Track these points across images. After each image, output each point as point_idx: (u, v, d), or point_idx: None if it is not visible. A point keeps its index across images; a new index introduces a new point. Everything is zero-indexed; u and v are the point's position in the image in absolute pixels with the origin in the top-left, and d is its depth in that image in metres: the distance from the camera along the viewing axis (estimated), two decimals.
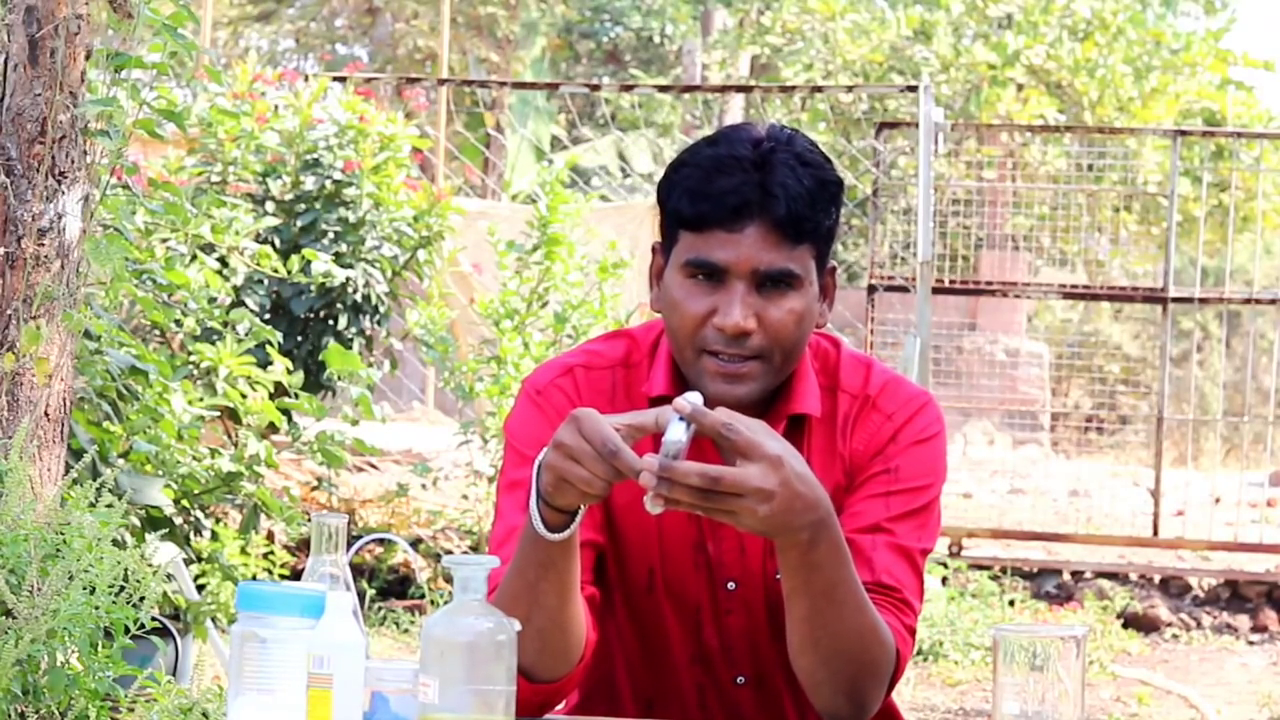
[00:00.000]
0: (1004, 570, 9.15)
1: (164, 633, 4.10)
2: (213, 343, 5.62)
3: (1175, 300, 9.94)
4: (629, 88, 11.64)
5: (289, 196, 7.49)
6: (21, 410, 3.51)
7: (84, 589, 2.70)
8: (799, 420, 2.24)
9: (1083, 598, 8.99)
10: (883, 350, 9.91)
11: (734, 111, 19.21)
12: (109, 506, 2.89)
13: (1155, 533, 9.80)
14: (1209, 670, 8.11)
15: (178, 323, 5.42)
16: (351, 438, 6.08)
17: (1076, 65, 16.70)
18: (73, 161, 3.58)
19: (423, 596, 7.65)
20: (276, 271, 6.12)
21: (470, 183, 11.08)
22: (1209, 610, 9.09)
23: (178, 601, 4.92)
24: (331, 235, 7.43)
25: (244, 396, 5.46)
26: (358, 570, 7.74)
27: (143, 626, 2.76)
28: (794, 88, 12.91)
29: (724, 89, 15.96)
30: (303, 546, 7.47)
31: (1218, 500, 10.66)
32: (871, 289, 9.98)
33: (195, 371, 5.50)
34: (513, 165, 17.93)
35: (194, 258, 5.59)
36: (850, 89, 15.01)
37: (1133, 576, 9.28)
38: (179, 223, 5.18)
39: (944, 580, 8.71)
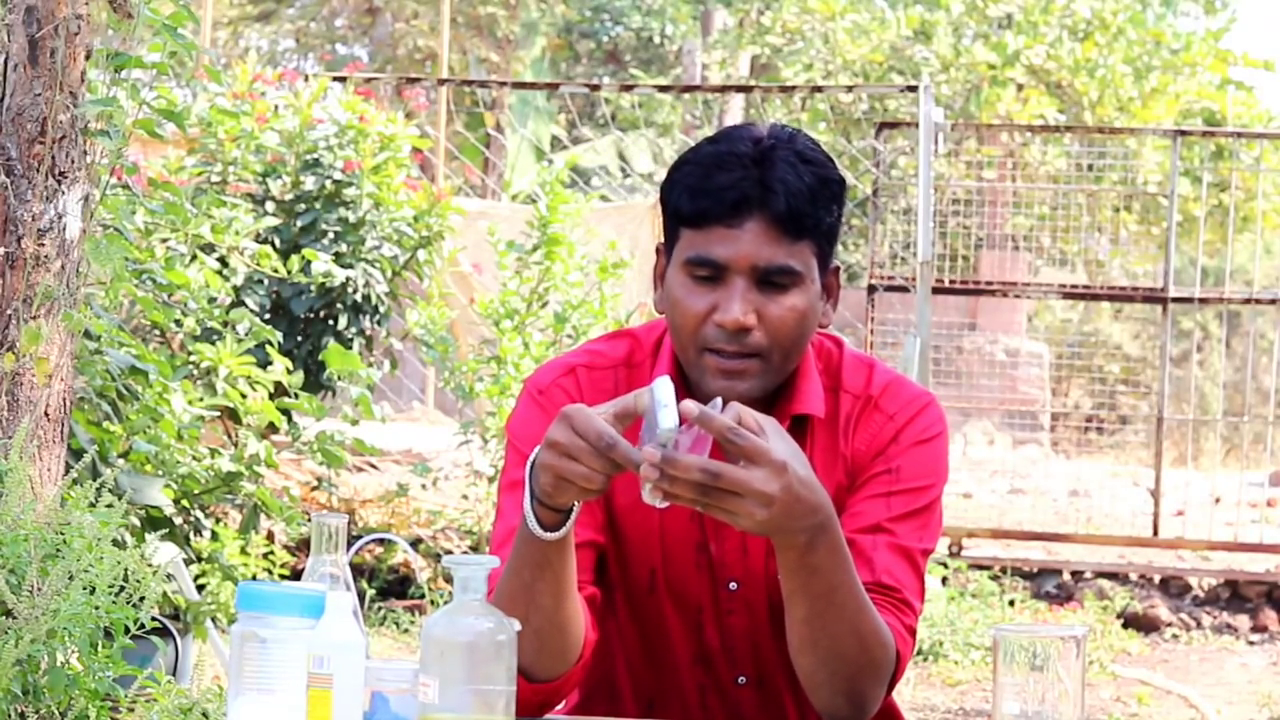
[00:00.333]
0: (1004, 570, 9.15)
1: (164, 633, 4.10)
2: (213, 343, 5.62)
3: (1175, 300, 9.94)
4: (629, 88, 11.63)
5: (289, 196, 7.48)
6: (21, 410, 3.51)
7: (84, 589, 2.70)
8: (802, 420, 2.24)
9: (1083, 598, 8.98)
10: (883, 350, 9.90)
11: (734, 111, 19.20)
12: (109, 506, 2.89)
13: (1155, 533, 9.80)
14: (1209, 670, 8.10)
15: (178, 323, 5.41)
16: (351, 438, 6.08)
17: (1076, 65, 16.70)
18: (73, 161, 3.58)
19: (423, 596, 7.65)
20: (276, 271, 6.12)
21: (470, 183, 11.07)
22: (1209, 610, 9.08)
23: (178, 601, 4.91)
24: (331, 235, 7.43)
25: (244, 396, 5.46)
26: (358, 570, 7.74)
27: (143, 626, 2.76)
28: (794, 88, 12.91)
29: (724, 89, 15.95)
30: (303, 546, 7.46)
31: (1218, 500, 10.66)
32: (871, 289, 9.98)
33: (195, 371, 5.50)
34: (513, 165, 17.93)
35: (194, 258, 5.59)
36: (850, 89, 15.00)
37: (1133, 576, 9.27)
38: (179, 223, 5.19)
39: (944, 580, 8.71)
